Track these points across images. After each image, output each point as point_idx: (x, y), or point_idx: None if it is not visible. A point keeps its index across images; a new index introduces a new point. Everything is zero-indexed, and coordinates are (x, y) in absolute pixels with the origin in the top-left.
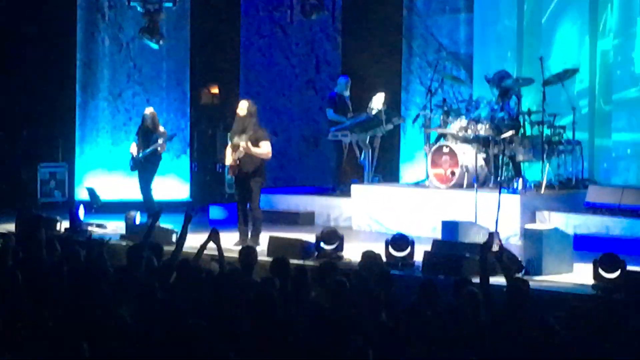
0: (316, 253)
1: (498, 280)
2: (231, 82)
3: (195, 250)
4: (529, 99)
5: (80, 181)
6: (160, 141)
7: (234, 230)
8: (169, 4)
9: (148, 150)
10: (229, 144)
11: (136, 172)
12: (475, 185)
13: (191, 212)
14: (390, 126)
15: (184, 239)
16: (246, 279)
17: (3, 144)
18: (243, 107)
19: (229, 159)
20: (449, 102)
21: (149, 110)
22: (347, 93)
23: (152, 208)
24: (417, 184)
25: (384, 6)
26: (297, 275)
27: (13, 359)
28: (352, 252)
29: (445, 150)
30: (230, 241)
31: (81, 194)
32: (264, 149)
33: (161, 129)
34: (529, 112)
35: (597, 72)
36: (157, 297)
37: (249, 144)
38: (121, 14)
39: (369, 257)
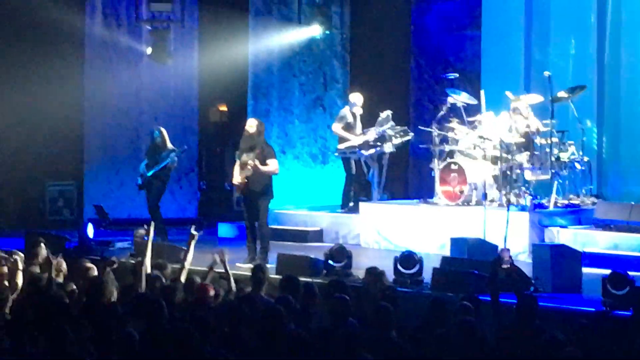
0: (325, 271)
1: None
2: (239, 99)
3: (201, 268)
4: (537, 116)
5: (89, 199)
6: (173, 156)
7: (242, 247)
8: (177, 22)
9: (158, 167)
10: (237, 162)
11: (144, 191)
12: (484, 202)
13: (197, 230)
14: (398, 140)
15: (188, 256)
16: (256, 296)
17: (12, 162)
18: (252, 125)
19: (237, 178)
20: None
21: (159, 128)
22: (360, 111)
23: (159, 226)
24: (425, 201)
25: (392, 23)
26: (306, 293)
27: None
28: (360, 270)
29: (454, 167)
30: (238, 259)
31: (90, 212)
32: (272, 166)
33: (170, 145)
34: (538, 130)
35: (605, 88)
36: (164, 315)
37: (257, 162)
38: (130, 32)
39: (373, 274)
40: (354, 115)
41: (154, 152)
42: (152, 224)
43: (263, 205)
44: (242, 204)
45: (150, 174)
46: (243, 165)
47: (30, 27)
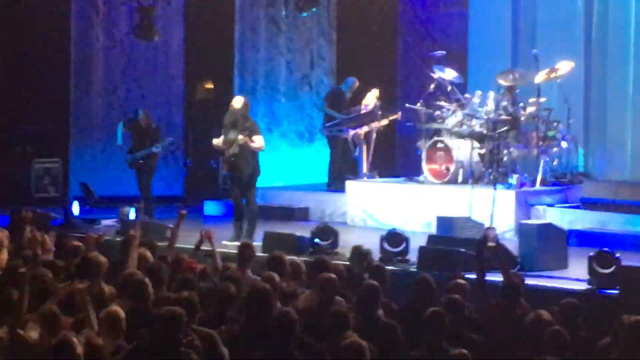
0: (311, 249)
1: (493, 275)
2: (226, 77)
3: (187, 246)
4: (524, 94)
5: (74, 177)
6: (158, 147)
7: (228, 225)
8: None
9: (144, 151)
10: (221, 138)
11: (133, 170)
12: (470, 180)
13: (185, 209)
14: (385, 121)
15: (177, 235)
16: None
17: None
18: (239, 101)
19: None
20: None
21: (143, 110)
22: (348, 95)
23: (149, 206)
24: (412, 180)
25: (379, 1)
26: (292, 271)
27: None
28: (347, 248)
29: (440, 145)
30: (224, 237)
31: (75, 190)
32: (258, 142)
33: (153, 126)
34: (524, 107)
35: (592, 65)
36: (149, 295)
37: (247, 138)
38: (115, 9)
39: (359, 252)
40: (344, 95)
41: (140, 133)
42: (141, 202)
43: (251, 182)
44: (229, 181)
45: (139, 155)
46: (229, 142)
47: (17, 4)
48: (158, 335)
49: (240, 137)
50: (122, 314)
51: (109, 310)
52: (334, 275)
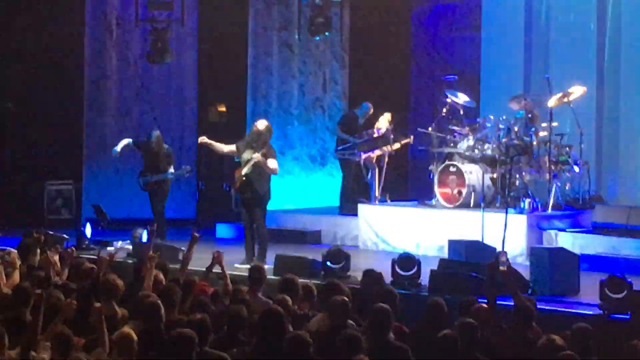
0: (322, 272)
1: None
2: (239, 100)
3: (199, 269)
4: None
5: (87, 199)
6: (174, 174)
7: (240, 248)
8: (177, 22)
9: (159, 176)
10: (233, 147)
11: (145, 193)
12: (482, 204)
13: (198, 232)
14: (397, 145)
15: (190, 258)
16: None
17: (10, 161)
18: (262, 124)
19: (237, 173)
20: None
21: (156, 132)
22: (362, 120)
23: (162, 228)
24: (424, 203)
25: (392, 25)
26: (304, 294)
27: None
28: (358, 271)
29: (452, 169)
30: (236, 259)
31: (88, 212)
32: (272, 165)
33: (165, 148)
34: (536, 132)
35: (604, 89)
36: (161, 317)
37: (261, 157)
38: (129, 31)
39: (370, 276)
40: (358, 120)
41: (151, 156)
42: (154, 225)
43: (261, 206)
44: (240, 204)
45: (153, 179)
46: (242, 161)
47: (31, 26)
48: (169, 357)
49: (256, 155)
50: (134, 336)
51: (121, 332)
52: (346, 299)
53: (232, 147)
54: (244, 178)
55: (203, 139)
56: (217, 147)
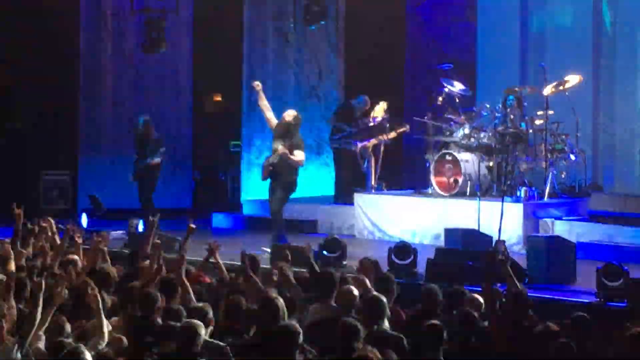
0: (319, 261)
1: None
2: (234, 90)
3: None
4: (532, 107)
5: (83, 189)
6: (154, 158)
7: (236, 237)
8: (172, 12)
9: (141, 164)
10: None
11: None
12: (478, 193)
13: (194, 223)
14: (393, 134)
15: (186, 249)
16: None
17: (6, 152)
18: (290, 114)
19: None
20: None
21: (144, 117)
22: (358, 112)
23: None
24: (420, 192)
25: (387, 14)
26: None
27: None
28: (354, 260)
29: (448, 158)
30: (235, 248)
31: (84, 202)
32: (298, 156)
33: (154, 135)
34: (532, 120)
35: (600, 78)
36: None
37: (286, 149)
38: (124, 22)
39: (367, 264)
40: (354, 110)
41: (140, 142)
42: (158, 214)
43: (281, 194)
44: (269, 192)
45: (142, 165)
46: (273, 151)
47: (26, 17)
48: (174, 348)
49: (281, 147)
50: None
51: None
52: (354, 289)
53: (271, 119)
54: (271, 167)
55: (258, 85)
56: (263, 104)
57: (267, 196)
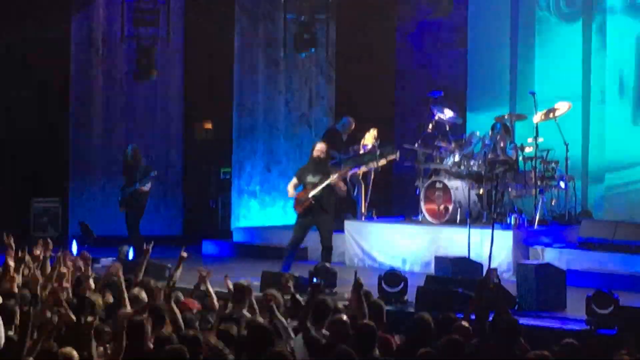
0: (309, 289)
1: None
2: (225, 117)
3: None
4: (522, 134)
5: (73, 216)
6: (143, 183)
7: (226, 264)
8: (163, 39)
9: (129, 189)
10: (294, 180)
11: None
12: (468, 220)
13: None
14: (383, 161)
15: (177, 277)
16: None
17: None
18: (323, 151)
19: (302, 195)
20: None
21: (131, 146)
22: (344, 135)
23: (139, 245)
24: (410, 220)
25: (377, 40)
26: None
27: None
28: (345, 287)
29: (438, 185)
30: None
31: (74, 229)
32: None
33: (142, 163)
34: (522, 148)
35: (590, 105)
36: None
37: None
38: (115, 49)
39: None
40: (340, 135)
41: (128, 170)
42: (152, 243)
43: (330, 225)
44: (299, 225)
45: (128, 192)
46: (309, 185)
47: (17, 43)
48: None
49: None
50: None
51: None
52: (345, 318)
53: (294, 182)
54: (312, 201)
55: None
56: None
57: (261, 223)
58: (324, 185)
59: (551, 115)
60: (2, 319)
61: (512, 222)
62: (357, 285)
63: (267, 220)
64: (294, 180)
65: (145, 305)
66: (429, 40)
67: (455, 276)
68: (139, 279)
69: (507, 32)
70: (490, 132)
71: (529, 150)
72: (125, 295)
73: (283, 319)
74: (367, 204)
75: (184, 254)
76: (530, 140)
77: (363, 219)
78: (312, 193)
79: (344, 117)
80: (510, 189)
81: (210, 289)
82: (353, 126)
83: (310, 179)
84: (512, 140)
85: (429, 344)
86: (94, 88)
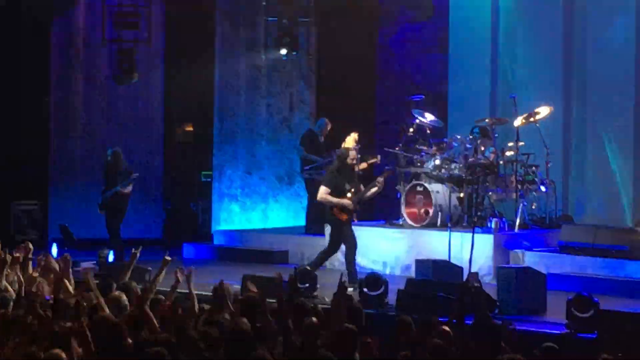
0: (289, 292)
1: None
2: (205, 120)
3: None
4: (502, 139)
5: (54, 219)
6: (124, 186)
7: (207, 267)
8: (144, 42)
9: (110, 192)
10: (328, 189)
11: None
12: (449, 224)
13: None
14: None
15: (158, 280)
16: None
17: None
18: (354, 157)
19: (350, 203)
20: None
21: (113, 149)
22: (321, 136)
23: (119, 248)
24: (391, 223)
25: (359, 45)
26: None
27: None
28: (326, 290)
29: (419, 189)
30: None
31: (55, 232)
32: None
33: (123, 166)
34: (503, 152)
35: (571, 109)
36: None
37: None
38: (95, 52)
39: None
40: (318, 138)
41: (109, 173)
42: (140, 247)
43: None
44: (348, 228)
45: (108, 195)
46: (350, 192)
47: None
48: None
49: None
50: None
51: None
52: (316, 320)
53: (329, 191)
54: (358, 206)
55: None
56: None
57: (241, 226)
58: (373, 191)
59: (532, 119)
60: None
61: (493, 226)
62: (342, 289)
63: (248, 224)
64: (328, 189)
65: (128, 307)
66: (410, 44)
67: (436, 279)
68: (124, 282)
69: (488, 35)
70: (470, 136)
71: (509, 154)
72: (100, 298)
73: (270, 319)
74: None
75: (168, 258)
76: (511, 144)
77: None
78: (359, 198)
79: (321, 118)
80: (490, 193)
81: (193, 292)
82: (329, 127)
83: (348, 186)
84: (493, 144)
85: (409, 347)
86: (74, 91)
